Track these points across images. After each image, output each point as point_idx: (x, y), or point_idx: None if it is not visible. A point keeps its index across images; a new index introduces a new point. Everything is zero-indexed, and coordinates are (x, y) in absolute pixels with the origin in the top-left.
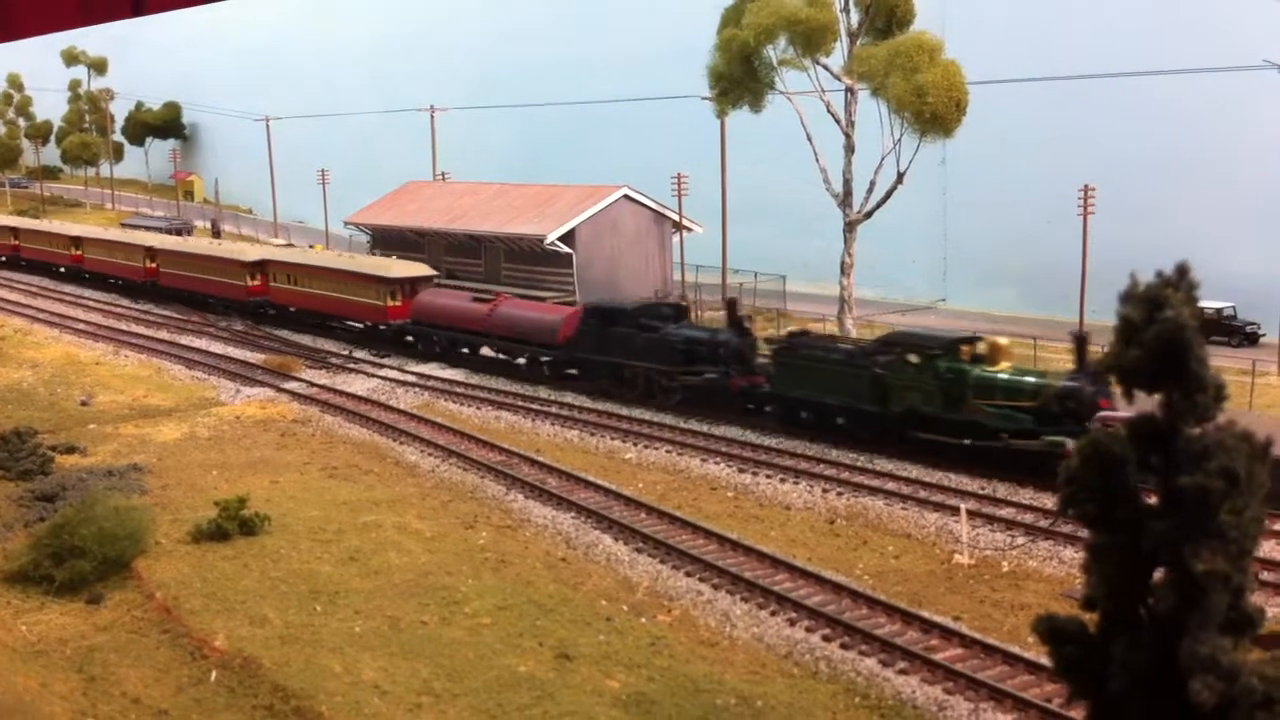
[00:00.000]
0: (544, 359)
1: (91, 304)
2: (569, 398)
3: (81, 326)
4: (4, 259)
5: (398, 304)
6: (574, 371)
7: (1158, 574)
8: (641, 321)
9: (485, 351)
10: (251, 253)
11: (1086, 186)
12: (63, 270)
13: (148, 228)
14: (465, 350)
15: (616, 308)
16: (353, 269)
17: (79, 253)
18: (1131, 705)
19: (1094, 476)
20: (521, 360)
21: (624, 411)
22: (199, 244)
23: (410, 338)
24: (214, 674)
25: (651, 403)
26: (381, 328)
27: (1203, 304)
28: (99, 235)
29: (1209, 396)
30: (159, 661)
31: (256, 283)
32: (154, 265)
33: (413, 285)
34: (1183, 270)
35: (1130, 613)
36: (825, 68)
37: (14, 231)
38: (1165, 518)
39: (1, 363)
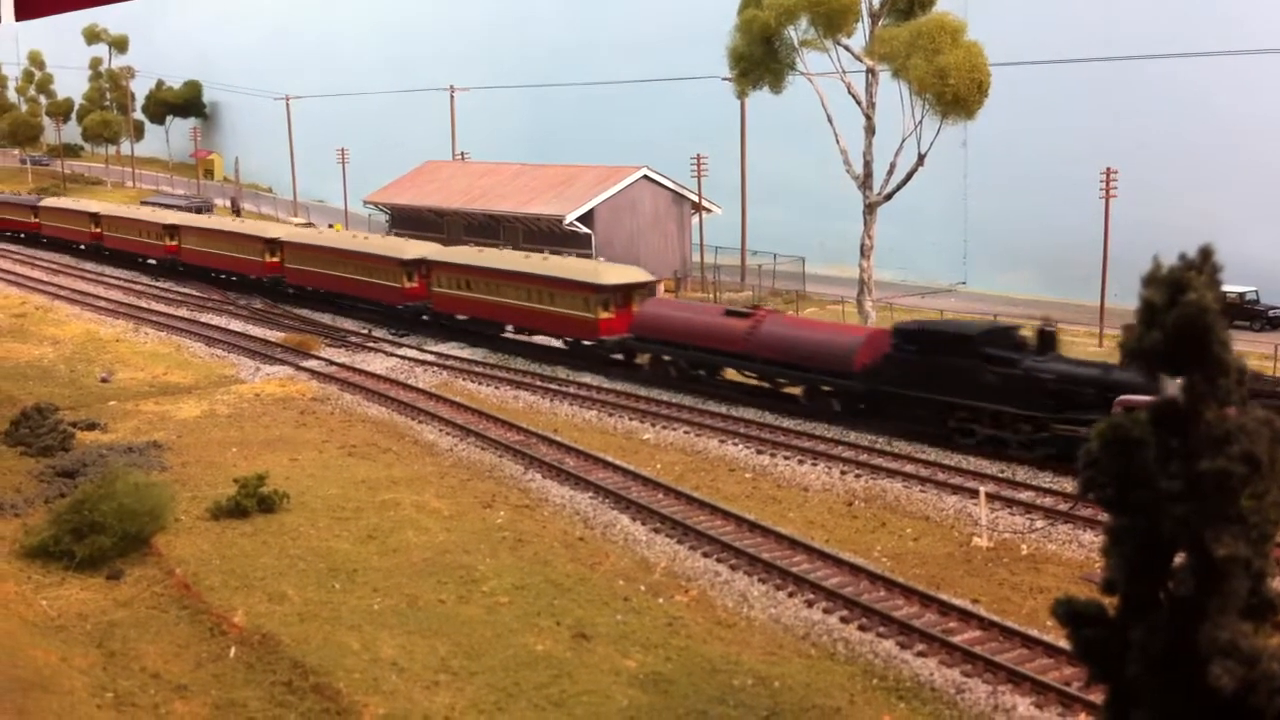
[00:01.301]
0: (832, 390)
1: (112, 281)
2: (587, 378)
3: (102, 304)
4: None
5: (610, 315)
6: (865, 406)
7: (1178, 558)
8: (988, 351)
9: (731, 374)
10: (410, 250)
11: (1109, 169)
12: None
13: (176, 207)
14: (702, 372)
15: (951, 331)
16: (551, 274)
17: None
18: (1150, 689)
19: (1114, 460)
20: (796, 391)
21: (642, 392)
22: (327, 236)
23: (620, 356)
24: (233, 650)
25: (848, 421)
26: (588, 344)
27: (1225, 288)
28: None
29: (1231, 380)
30: (178, 637)
31: (414, 285)
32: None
33: (627, 293)
34: (1206, 253)
35: (1150, 597)
36: (846, 49)
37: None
38: (1185, 502)
39: (23, 339)
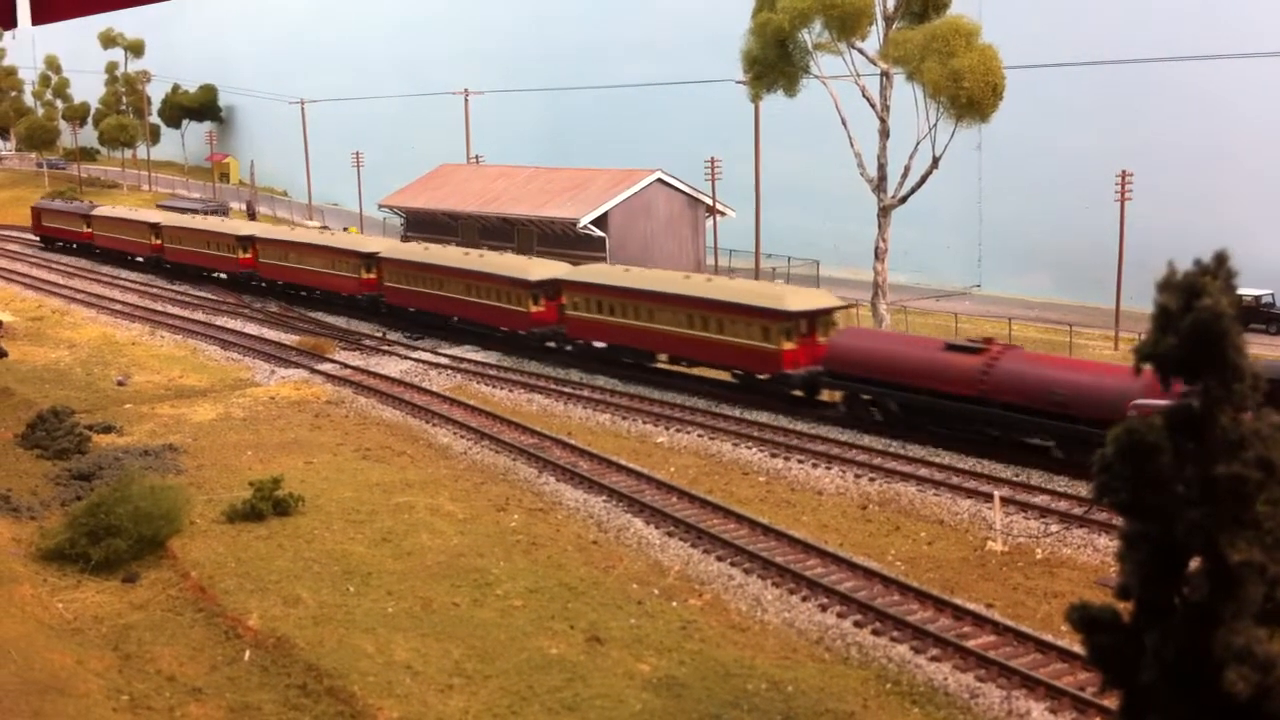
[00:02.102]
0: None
1: (128, 284)
2: (600, 381)
3: (118, 307)
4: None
5: (794, 346)
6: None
7: (1193, 564)
8: None
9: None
10: (536, 270)
11: (1124, 172)
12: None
13: (192, 210)
14: (922, 418)
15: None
16: (720, 297)
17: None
18: (1165, 695)
19: (1129, 465)
20: (1050, 444)
21: (656, 395)
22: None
23: (800, 391)
24: (248, 653)
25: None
26: (766, 378)
27: (1241, 291)
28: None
29: (1246, 385)
30: (193, 640)
31: (542, 309)
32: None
33: (813, 321)
34: (1221, 258)
35: (1164, 602)
36: (860, 51)
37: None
38: (1200, 507)
39: (39, 342)
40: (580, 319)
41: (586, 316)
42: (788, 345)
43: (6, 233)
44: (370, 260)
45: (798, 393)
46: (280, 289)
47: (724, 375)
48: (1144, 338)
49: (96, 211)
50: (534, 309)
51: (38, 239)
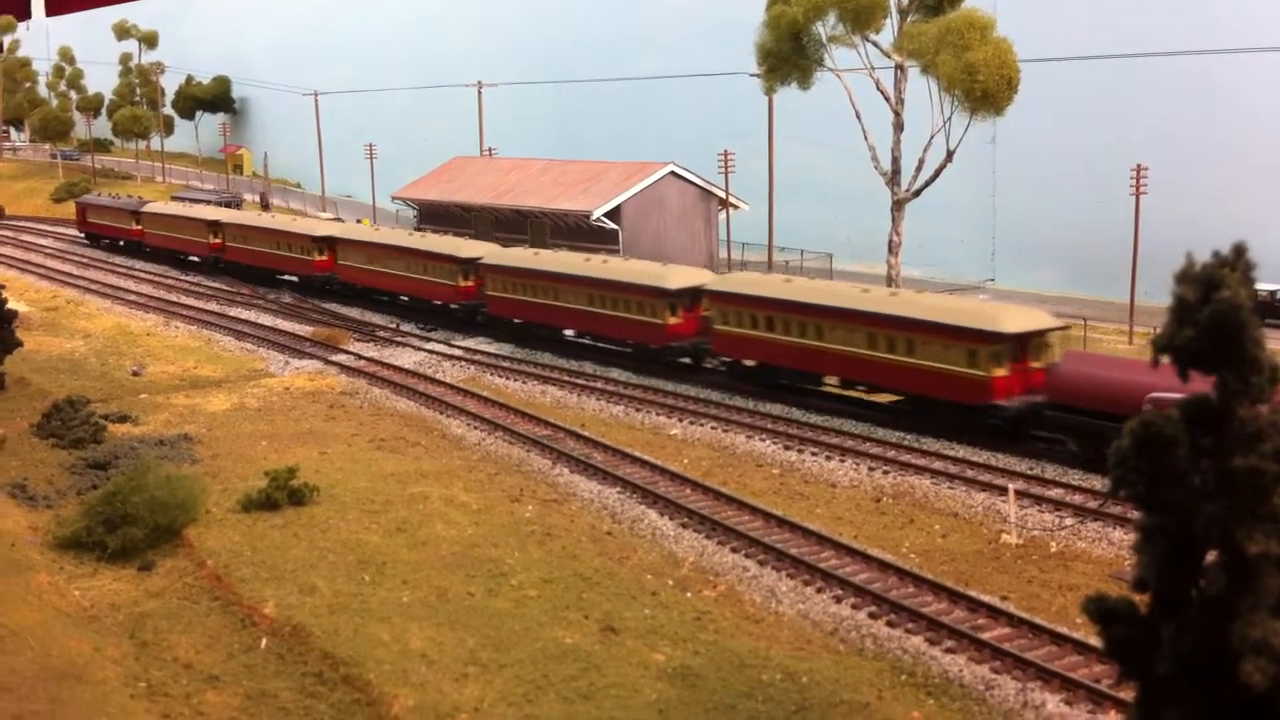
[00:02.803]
0: None
1: (143, 275)
2: (614, 373)
3: (133, 298)
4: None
5: (1004, 373)
6: None
7: (1209, 556)
8: None
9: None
10: (674, 278)
11: (1139, 166)
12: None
13: (206, 201)
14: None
15: None
16: (909, 314)
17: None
18: (1181, 687)
19: (1145, 458)
20: None
21: (669, 387)
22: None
23: (1011, 424)
24: (264, 641)
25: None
26: (972, 407)
27: (1258, 285)
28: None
29: (1264, 378)
30: (209, 628)
31: (680, 320)
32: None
33: (1026, 343)
34: (1239, 250)
35: (1181, 594)
36: (875, 45)
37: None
38: (1217, 499)
39: (55, 333)
40: (730, 335)
41: (736, 332)
42: (998, 372)
43: (21, 223)
44: (470, 266)
45: (1015, 426)
46: (359, 294)
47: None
48: (1161, 330)
49: (148, 208)
50: (671, 320)
51: (83, 236)
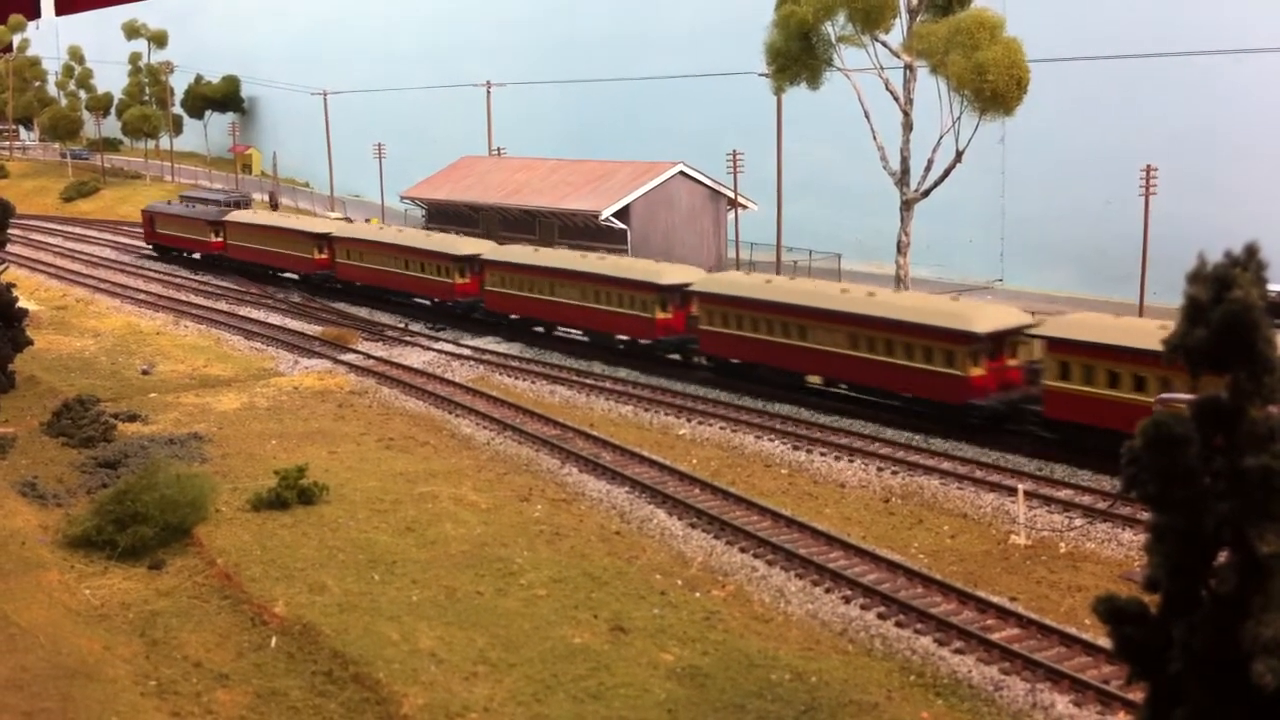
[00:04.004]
0: None
1: (152, 274)
2: (623, 374)
3: (142, 297)
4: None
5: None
6: None
7: (1220, 556)
8: None
9: None
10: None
11: (1149, 166)
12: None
13: (215, 201)
14: None
15: None
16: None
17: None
18: (1192, 687)
19: (1157, 457)
20: None
21: (678, 388)
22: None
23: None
24: (274, 640)
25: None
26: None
27: (1271, 285)
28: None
29: (1276, 378)
30: (220, 627)
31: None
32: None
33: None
34: (1251, 250)
35: (1192, 594)
36: (884, 45)
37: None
38: (1229, 499)
39: (64, 332)
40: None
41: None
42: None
43: (31, 222)
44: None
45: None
46: (520, 326)
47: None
48: (1173, 330)
49: (232, 217)
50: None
51: (150, 248)
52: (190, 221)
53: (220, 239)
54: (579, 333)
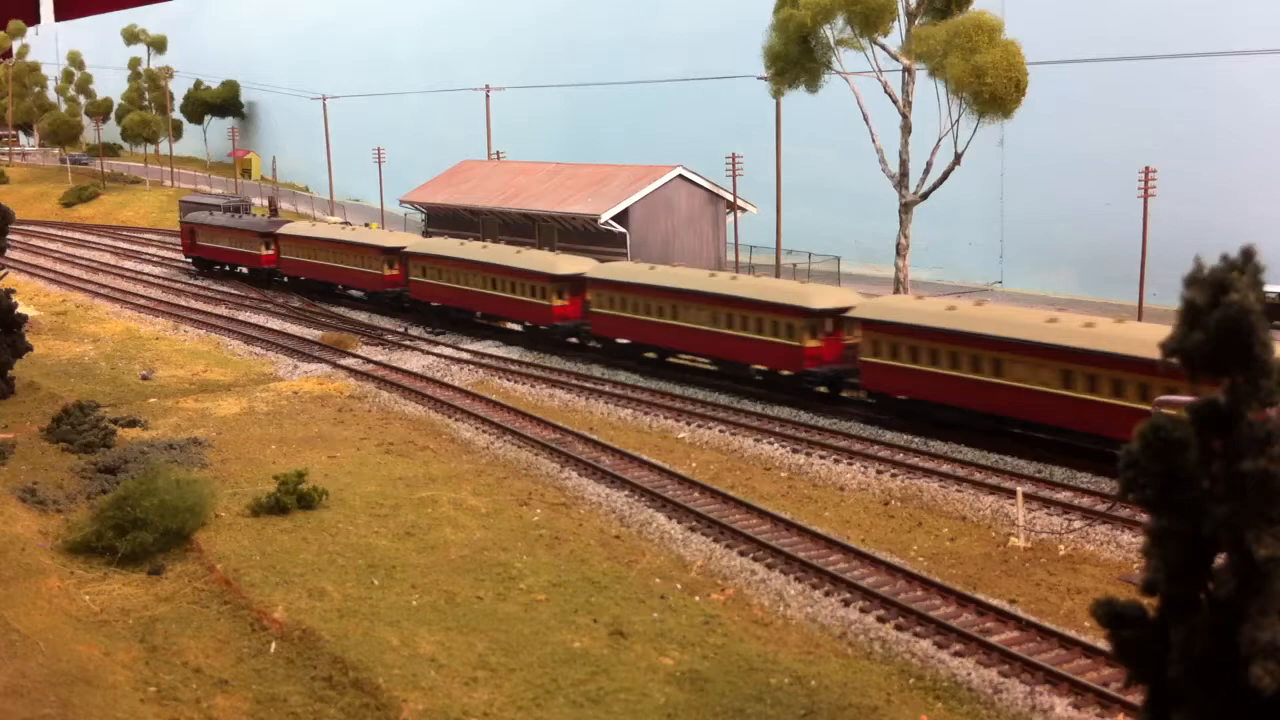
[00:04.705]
0: None
1: (151, 280)
2: (622, 376)
3: (142, 302)
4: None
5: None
6: None
7: (1219, 559)
8: None
9: None
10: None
11: (1148, 168)
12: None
13: (214, 206)
14: None
15: None
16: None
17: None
18: (1191, 690)
19: (1155, 461)
20: None
21: (678, 391)
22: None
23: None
24: (274, 645)
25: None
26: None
27: (1268, 288)
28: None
29: (1273, 381)
30: (219, 632)
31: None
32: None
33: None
34: (1248, 253)
35: (1190, 597)
36: (883, 48)
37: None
38: (1227, 502)
39: (64, 337)
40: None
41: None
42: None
43: (30, 228)
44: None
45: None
46: (624, 351)
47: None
48: (1171, 333)
49: (287, 229)
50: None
51: (189, 262)
52: (238, 233)
53: (272, 252)
54: (705, 360)
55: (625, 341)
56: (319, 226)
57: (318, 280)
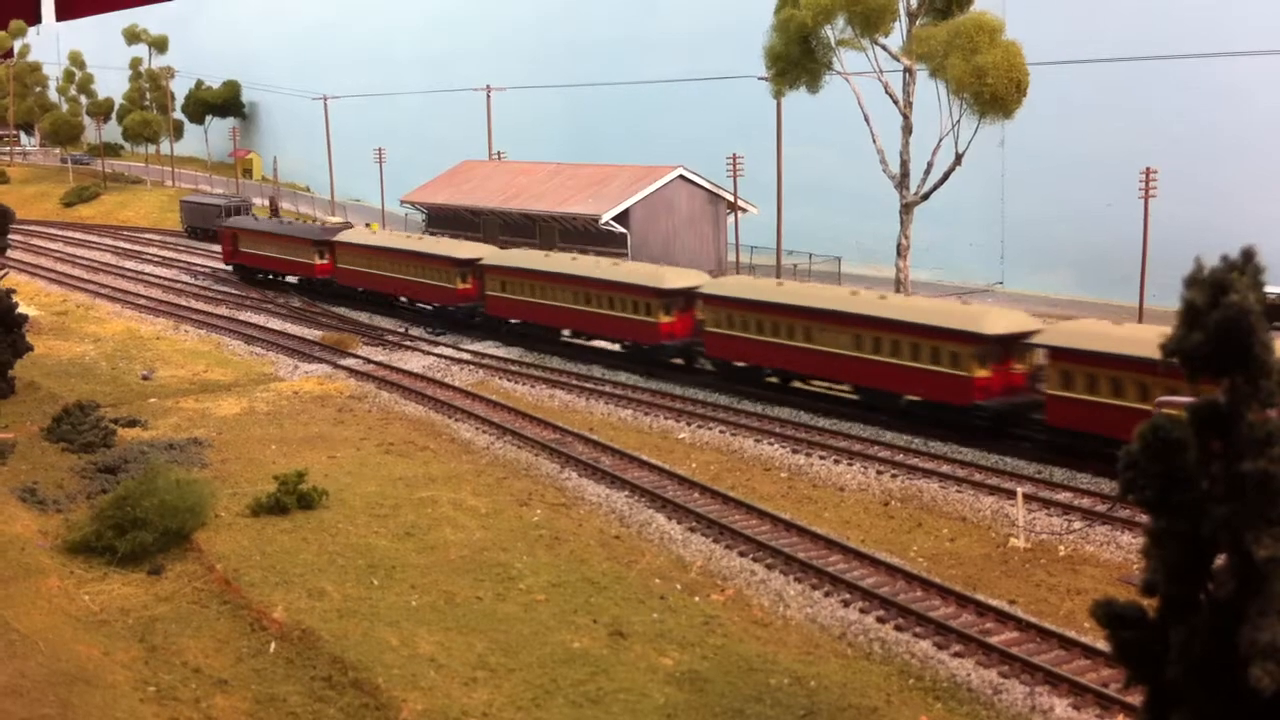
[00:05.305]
0: None
1: (152, 280)
2: (623, 377)
3: (142, 302)
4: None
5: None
6: None
7: (1218, 560)
8: None
9: None
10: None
11: (1148, 169)
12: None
13: (215, 205)
14: None
15: None
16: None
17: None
18: (1190, 690)
19: (1155, 462)
20: None
21: (678, 391)
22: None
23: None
24: (273, 645)
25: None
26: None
27: (1268, 289)
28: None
29: (1273, 382)
30: (219, 632)
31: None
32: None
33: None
34: (1248, 254)
35: (1190, 598)
36: (884, 48)
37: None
38: (1226, 503)
39: (64, 337)
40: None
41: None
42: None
43: (31, 228)
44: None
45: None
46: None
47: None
48: (1171, 334)
49: (344, 237)
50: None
51: (230, 269)
52: (288, 240)
53: (327, 261)
54: (841, 387)
55: (743, 364)
56: (381, 235)
57: (379, 292)
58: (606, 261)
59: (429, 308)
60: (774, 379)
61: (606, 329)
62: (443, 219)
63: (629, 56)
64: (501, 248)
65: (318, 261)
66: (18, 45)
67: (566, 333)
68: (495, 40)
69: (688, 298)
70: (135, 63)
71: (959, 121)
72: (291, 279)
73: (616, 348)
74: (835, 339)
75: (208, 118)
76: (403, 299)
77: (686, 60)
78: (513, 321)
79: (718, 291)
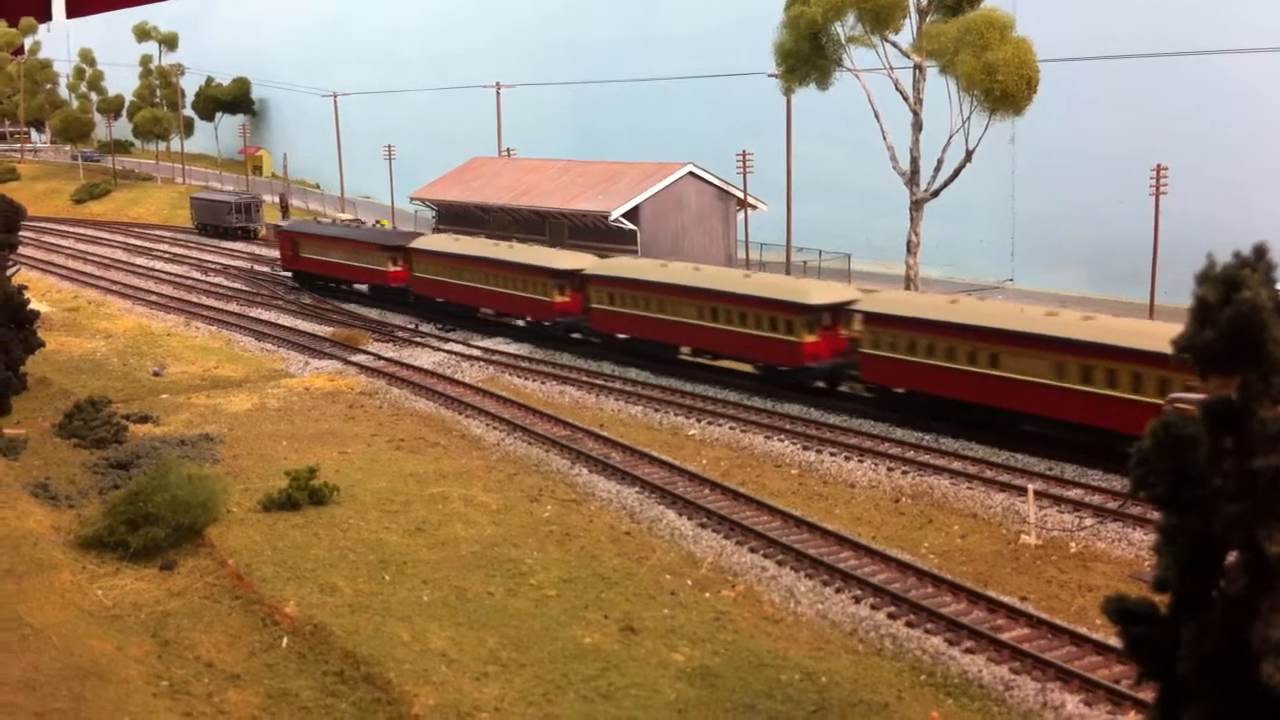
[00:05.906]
0: None
1: (163, 277)
2: (633, 374)
3: (154, 298)
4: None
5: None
6: None
7: (1230, 557)
8: None
9: None
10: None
11: (1159, 165)
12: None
13: (223, 202)
14: None
15: None
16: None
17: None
18: (1202, 687)
19: (1166, 458)
20: None
21: (688, 388)
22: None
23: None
24: (285, 640)
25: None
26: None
27: None
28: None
29: None
30: (231, 627)
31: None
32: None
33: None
34: (1261, 251)
35: (1201, 595)
36: (894, 45)
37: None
38: (1238, 500)
39: (76, 333)
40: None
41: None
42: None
43: (42, 225)
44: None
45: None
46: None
47: None
48: (1183, 330)
49: (421, 243)
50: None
51: (288, 276)
52: (356, 245)
53: (401, 269)
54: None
55: (902, 391)
56: (464, 241)
57: (461, 303)
58: (737, 273)
59: (521, 322)
60: (950, 411)
61: (737, 348)
62: (452, 216)
63: (639, 53)
64: (566, 249)
65: (390, 269)
66: (28, 42)
67: (686, 351)
68: (502, 38)
69: (833, 313)
70: (145, 60)
71: (969, 118)
72: (361, 287)
73: (748, 369)
74: (1024, 365)
75: (218, 115)
76: (487, 311)
77: (696, 57)
78: (620, 336)
79: (875, 309)
